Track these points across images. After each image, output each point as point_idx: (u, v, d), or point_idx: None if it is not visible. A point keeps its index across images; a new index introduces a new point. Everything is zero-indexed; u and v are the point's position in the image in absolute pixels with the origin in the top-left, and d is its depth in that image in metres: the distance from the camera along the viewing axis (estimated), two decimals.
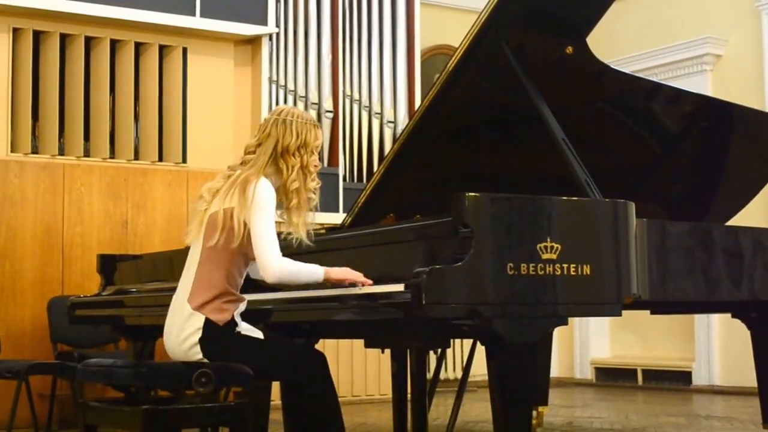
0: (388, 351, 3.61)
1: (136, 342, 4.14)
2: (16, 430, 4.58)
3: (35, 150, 5.42)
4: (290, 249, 2.76)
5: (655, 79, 5.65)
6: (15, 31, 5.38)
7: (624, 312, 2.71)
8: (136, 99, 5.70)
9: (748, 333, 3.73)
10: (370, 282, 2.65)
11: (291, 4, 6.19)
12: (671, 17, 7.29)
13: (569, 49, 3.11)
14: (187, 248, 2.85)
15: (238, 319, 2.73)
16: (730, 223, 3.86)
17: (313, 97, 6.19)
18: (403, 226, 2.82)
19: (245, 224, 2.67)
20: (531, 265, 2.46)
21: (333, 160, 6.26)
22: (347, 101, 6.34)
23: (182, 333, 2.69)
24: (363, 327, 3.29)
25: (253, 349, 2.71)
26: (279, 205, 2.76)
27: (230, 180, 2.75)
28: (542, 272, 2.48)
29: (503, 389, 2.47)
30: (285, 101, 6.12)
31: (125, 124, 5.65)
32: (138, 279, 4.14)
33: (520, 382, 2.49)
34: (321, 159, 6.20)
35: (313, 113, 6.18)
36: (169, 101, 5.79)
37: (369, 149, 6.40)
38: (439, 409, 5.35)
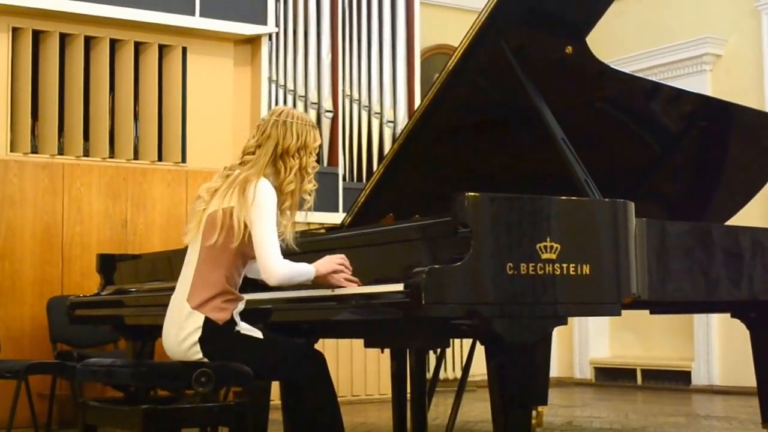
0: (387, 351, 3.61)
1: (136, 342, 4.14)
2: (16, 429, 4.58)
3: (35, 150, 5.42)
4: (287, 250, 2.77)
5: (654, 78, 5.65)
6: (14, 30, 5.38)
7: (623, 312, 2.71)
8: (136, 99, 5.70)
9: (747, 333, 3.73)
10: (356, 281, 2.69)
11: (291, 3, 6.18)
12: (671, 17, 7.29)
13: (569, 49, 3.11)
14: (186, 248, 2.85)
15: (237, 318, 2.73)
16: (729, 222, 3.86)
17: (313, 96, 6.19)
18: (403, 225, 2.82)
19: (245, 224, 2.67)
20: (530, 264, 2.46)
21: (333, 159, 6.26)
22: (347, 101, 6.34)
23: (181, 333, 2.68)
24: (362, 327, 3.29)
25: (252, 348, 2.71)
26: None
27: (229, 180, 2.75)
28: (542, 272, 2.48)
29: (503, 389, 2.48)
30: (285, 101, 6.12)
31: (125, 124, 5.65)
32: (137, 279, 4.14)
33: (520, 381, 2.49)
34: (320, 159, 6.24)
35: (312, 113, 6.18)
36: (169, 101, 5.79)
37: (369, 149, 6.40)
38: (439, 409, 5.35)
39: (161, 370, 2.73)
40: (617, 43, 7.19)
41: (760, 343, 3.69)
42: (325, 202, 6.12)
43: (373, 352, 5.57)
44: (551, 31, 3.10)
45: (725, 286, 3.10)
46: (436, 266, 2.38)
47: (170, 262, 3.85)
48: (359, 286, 2.71)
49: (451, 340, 3.65)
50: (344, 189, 6.20)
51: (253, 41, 6.07)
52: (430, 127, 3.34)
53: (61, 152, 5.46)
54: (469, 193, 2.44)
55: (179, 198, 5.63)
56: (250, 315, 2.84)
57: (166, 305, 2.82)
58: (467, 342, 3.48)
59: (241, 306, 2.75)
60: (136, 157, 5.65)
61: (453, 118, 3.36)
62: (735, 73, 6.85)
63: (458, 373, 6.87)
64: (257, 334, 2.75)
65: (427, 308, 2.35)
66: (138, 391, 2.76)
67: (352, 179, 6.33)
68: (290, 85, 6.14)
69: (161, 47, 5.77)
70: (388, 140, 6.36)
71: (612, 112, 3.52)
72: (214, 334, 2.66)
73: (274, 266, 2.64)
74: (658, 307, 3.82)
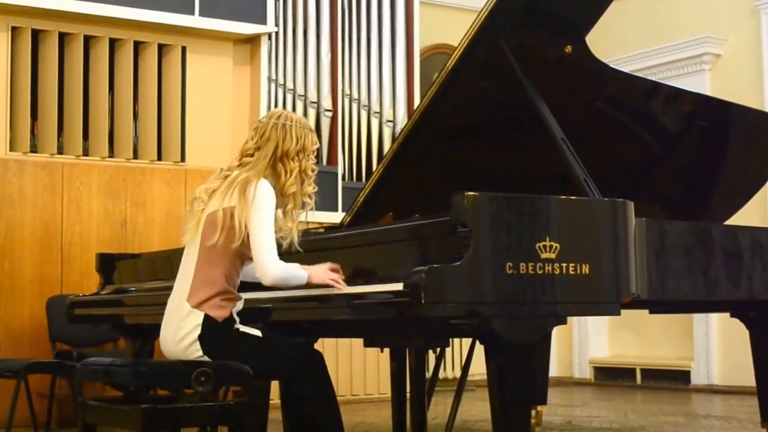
0: (387, 350, 3.61)
1: (135, 341, 4.14)
2: (15, 429, 4.58)
3: (34, 149, 5.42)
4: (280, 248, 2.77)
5: (654, 78, 5.65)
6: (14, 29, 5.38)
7: (623, 311, 2.71)
8: (135, 98, 5.70)
9: (746, 332, 3.73)
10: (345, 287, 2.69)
11: (290, 3, 6.18)
12: (670, 16, 7.29)
13: (568, 49, 3.11)
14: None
15: (236, 317, 2.74)
16: (729, 222, 3.86)
17: (312, 96, 6.19)
18: (402, 225, 2.82)
19: (246, 224, 2.68)
20: (530, 264, 2.46)
21: (332, 159, 6.26)
22: (346, 100, 6.34)
23: (179, 332, 2.69)
24: (362, 326, 3.29)
25: (251, 346, 2.72)
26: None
27: (228, 180, 2.76)
28: (541, 271, 2.48)
29: (502, 388, 2.48)
30: (284, 100, 6.12)
31: (124, 123, 5.65)
32: (137, 278, 4.14)
33: (519, 381, 2.49)
34: (320, 158, 6.24)
35: (312, 112, 6.18)
36: (168, 100, 5.79)
37: (368, 148, 6.40)
38: (438, 409, 5.35)
39: (161, 369, 2.73)
40: (617, 43, 7.19)
41: (760, 343, 3.69)
42: (324, 201, 6.09)
43: (373, 351, 5.57)
44: (551, 30, 3.10)
45: (724, 285, 3.10)
46: (436, 266, 2.38)
47: (170, 262, 3.85)
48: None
49: (450, 339, 3.64)
50: (343, 188, 6.20)
51: (253, 41, 6.06)
52: (430, 126, 3.34)
53: (60, 151, 5.46)
54: (469, 193, 2.44)
55: (178, 197, 5.63)
56: (249, 314, 2.84)
57: (165, 304, 2.83)
58: (467, 341, 3.47)
59: (239, 305, 2.76)
60: (135, 156, 5.65)
61: (452, 117, 3.36)
62: (734, 72, 6.85)
63: (458, 373, 6.88)
64: (256, 333, 2.76)
65: (426, 308, 2.35)
66: (137, 391, 2.76)
67: (352, 179, 6.33)
68: (290, 85, 6.14)
69: (161, 46, 5.77)
70: (388, 140, 6.36)
71: (611, 111, 3.52)
72: (213, 332, 2.66)
73: (270, 266, 2.65)
74: (657, 306, 3.82)
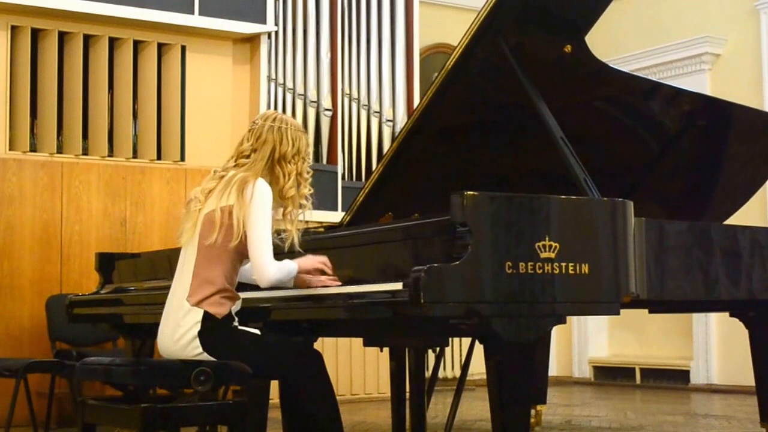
0: (386, 349, 3.61)
1: (135, 340, 4.14)
2: (15, 428, 4.58)
3: (33, 148, 5.42)
4: (280, 249, 2.78)
5: (653, 78, 5.65)
6: (13, 28, 5.38)
7: (622, 311, 2.71)
8: (135, 97, 5.70)
9: (746, 332, 3.73)
10: (338, 282, 2.74)
11: (290, 2, 6.18)
12: (670, 16, 7.29)
13: (568, 48, 3.11)
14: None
15: (235, 315, 2.75)
16: (728, 222, 3.86)
17: (312, 95, 6.19)
18: (402, 224, 2.82)
19: (243, 223, 2.69)
20: (529, 263, 2.46)
21: (332, 158, 6.26)
22: (346, 100, 6.34)
23: (178, 330, 2.69)
24: (361, 325, 3.29)
25: (251, 344, 2.72)
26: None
27: (225, 180, 2.77)
28: (540, 271, 2.48)
29: (501, 388, 2.48)
30: (284, 99, 6.12)
31: (124, 123, 5.65)
32: (136, 277, 4.14)
33: (519, 380, 2.49)
34: (320, 158, 6.25)
35: (311, 111, 6.19)
36: (168, 99, 5.79)
37: (368, 148, 6.41)
38: (438, 408, 5.36)
39: (160, 368, 2.73)
40: (616, 42, 7.20)
41: (759, 342, 3.69)
42: (323, 200, 6.11)
43: (372, 350, 5.57)
44: (550, 30, 3.10)
45: (724, 285, 3.10)
46: (435, 265, 2.38)
47: (169, 261, 3.84)
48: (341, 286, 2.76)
49: (450, 338, 3.65)
50: (343, 188, 6.20)
51: (253, 40, 6.06)
52: (429, 126, 3.34)
53: (60, 151, 5.46)
54: (468, 192, 2.44)
55: (178, 197, 5.63)
56: (248, 314, 2.84)
57: (164, 304, 2.82)
58: (466, 341, 3.48)
59: (238, 305, 2.76)
60: (135, 155, 5.65)
61: (452, 117, 3.36)
62: (734, 72, 6.85)
63: (457, 372, 6.88)
64: (256, 332, 2.76)
65: (426, 307, 2.35)
66: (137, 390, 2.76)
67: (351, 178, 6.33)
68: (289, 84, 6.14)
69: (160, 46, 5.77)
70: (387, 139, 6.36)
71: (611, 111, 3.52)
72: (213, 328, 2.67)
73: (267, 268, 2.68)
74: (656, 306, 3.82)
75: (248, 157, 2.80)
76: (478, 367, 2.88)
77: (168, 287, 2.87)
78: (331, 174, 6.18)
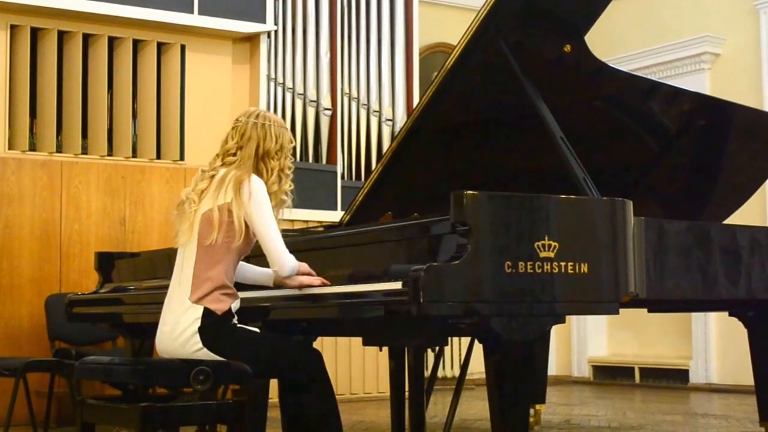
0: (385, 349, 3.61)
1: (134, 339, 4.14)
2: (14, 427, 4.58)
3: (33, 147, 5.42)
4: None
5: (653, 77, 5.65)
6: (13, 28, 5.37)
7: (621, 310, 2.71)
8: (134, 96, 5.70)
9: (745, 331, 3.74)
10: (327, 283, 2.77)
11: (289, 2, 6.18)
12: (669, 16, 7.29)
13: (567, 48, 3.11)
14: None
15: (234, 313, 2.75)
16: (727, 221, 3.86)
17: (312, 94, 6.19)
18: (401, 224, 2.82)
19: (245, 221, 2.70)
20: (529, 263, 2.47)
21: (331, 158, 6.26)
22: (345, 99, 6.34)
23: (178, 327, 2.69)
24: (361, 325, 3.29)
25: (250, 342, 2.73)
26: None
27: (217, 179, 2.77)
28: (540, 270, 2.48)
29: (501, 387, 2.48)
30: (283, 99, 6.12)
31: (123, 122, 5.65)
32: (136, 277, 4.14)
33: (518, 380, 2.50)
34: (319, 157, 6.25)
35: (311, 111, 6.18)
36: (167, 99, 5.79)
37: (367, 147, 6.41)
38: (437, 407, 5.36)
39: (159, 367, 2.73)
40: (616, 42, 7.20)
41: (758, 342, 3.69)
42: (323, 200, 6.13)
43: (372, 350, 5.57)
44: (550, 29, 3.10)
45: (723, 284, 3.11)
46: (435, 264, 2.38)
47: (169, 260, 3.84)
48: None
49: (449, 338, 3.65)
50: (342, 187, 6.20)
51: (252, 39, 6.06)
52: (429, 125, 3.35)
53: (59, 150, 5.46)
54: (468, 192, 2.44)
55: (178, 196, 5.60)
56: (248, 313, 2.84)
57: (164, 303, 2.82)
58: (465, 340, 3.48)
59: (237, 303, 2.77)
60: (134, 154, 5.65)
61: (451, 116, 3.36)
62: (733, 71, 6.85)
63: (456, 372, 6.88)
64: (255, 330, 2.77)
65: (425, 306, 2.35)
66: (136, 389, 2.77)
67: (351, 177, 6.33)
68: (289, 83, 6.13)
69: (160, 45, 5.77)
70: (387, 138, 6.36)
71: (610, 110, 3.52)
72: (213, 324, 2.68)
73: (285, 256, 2.73)
74: (656, 305, 3.83)
75: (234, 155, 2.81)
76: (478, 367, 2.88)
77: (167, 286, 2.87)
78: (330, 173, 6.18)
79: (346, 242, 3.00)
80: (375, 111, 6.43)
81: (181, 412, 2.66)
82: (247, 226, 2.72)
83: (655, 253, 2.82)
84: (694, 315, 6.82)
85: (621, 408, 5.80)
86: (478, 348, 2.64)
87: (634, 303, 2.92)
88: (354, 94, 6.38)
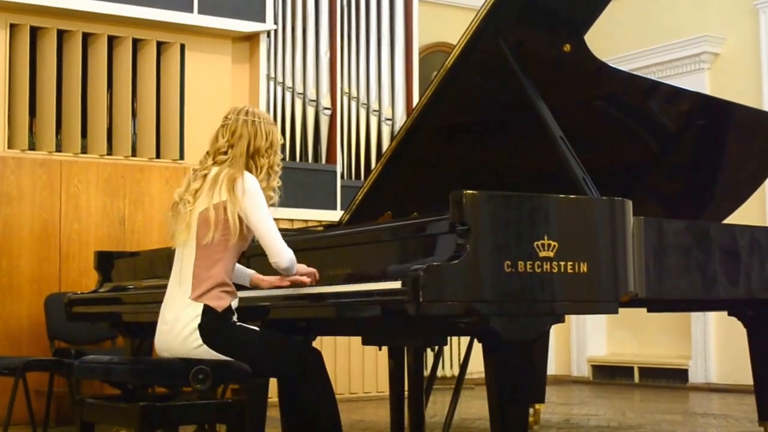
0: (385, 348, 3.61)
1: (134, 339, 4.14)
2: (13, 426, 4.58)
3: (32, 146, 5.42)
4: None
5: (652, 77, 5.65)
6: (12, 27, 5.37)
7: (621, 310, 2.72)
8: (134, 96, 5.70)
9: (744, 331, 3.74)
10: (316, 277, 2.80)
11: (289, 1, 6.18)
12: (669, 15, 7.29)
13: (567, 47, 3.11)
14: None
15: (234, 311, 2.75)
16: (727, 221, 3.86)
17: (311, 94, 6.19)
18: (401, 223, 2.83)
19: (240, 218, 2.71)
20: (528, 262, 2.47)
21: (331, 157, 6.26)
22: (345, 98, 6.34)
23: (177, 324, 2.70)
24: (360, 324, 3.29)
25: (250, 340, 2.73)
26: None
27: (210, 178, 2.78)
28: (539, 270, 2.48)
29: (500, 387, 2.48)
30: (283, 98, 6.12)
31: (123, 121, 5.64)
32: (135, 276, 4.14)
33: (517, 379, 2.50)
34: (319, 156, 6.24)
35: (311, 110, 6.18)
36: (167, 98, 5.79)
37: (367, 147, 6.40)
38: (437, 407, 5.36)
39: (159, 367, 2.73)
40: (615, 42, 7.20)
41: (757, 341, 3.70)
42: (323, 199, 6.13)
43: (371, 349, 5.57)
44: (549, 29, 3.10)
45: (722, 284, 3.11)
46: (435, 264, 2.38)
47: (168, 260, 3.82)
48: (316, 279, 2.81)
49: (448, 337, 3.65)
50: (342, 187, 6.20)
51: (252, 38, 6.06)
52: (428, 125, 3.35)
53: (58, 149, 5.46)
54: (468, 191, 2.44)
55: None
56: (247, 312, 2.84)
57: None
58: (465, 340, 3.48)
59: (236, 301, 2.77)
60: (134, 154, 5.64)
61: (451, 116, 3.36)
62: (733, 71, 6.85)
63: (456, 371, 6.88)
64: (255, 328, 2.77)
65: (425, 306, 2.35)
66: (135, 388, 2.76)
67: (350, 177, 6.33)
68: (288, 83, 6.13)
69: (159, 44, 5.77)
70: (386, 138, 6.36)
71: (610, 110, 3.52)
72: (213, 320, 2.68)
73: (283, 248, 2.73)
74: (655, 305, 3.83)
75: (226, 153, 2.81)
76: (477, 366, 2.88)
77: (167, 286, 2.87)
78: (330, 173, 6.18)
79: (346, 242, 3.00)
80: (375, 110, 6.43)
81: (180, 411, 2.66)
82: (241, 223, 2.73)
83: (655, 252, 2.82)
84: (694, 315, 6.82)
85: (620, 407, 5.80)
86: (478, 347, 2.64)
87: (634, 302, 2.92)
88: (354, 93, 6.38)
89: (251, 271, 2.97)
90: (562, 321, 2.61)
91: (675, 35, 7.15)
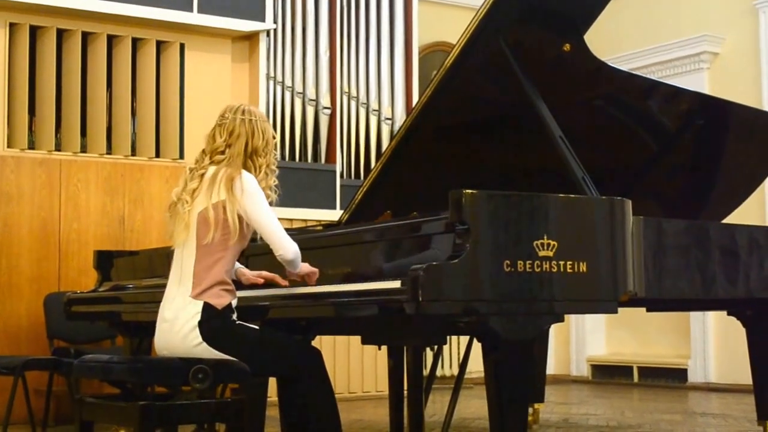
0: (384, 348, 3.61)
1: (133, 338, 4.15)
2: (12, 425, 4.58)
3: (32, 145, 5.41)
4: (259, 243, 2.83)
5: (652, 76, 5.65)
6: (12, 26, 5.37)
7: (620, 309, 2.72)
8: (133, 95, 5.70)
9: (743, 330, 3.74)
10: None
11: (289, 0, 6.18)
12: (668, 15, 7.30)
13: (567, 47, 3.11)
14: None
15: (234, 309, 2.76)
16: (726, 220, 3.87)
17: (311, 93, 6.19)
18: (400, 222, 2.83)
19: (239, 217, 2.71)
20: (528, 262, 2.47)
21: (330, 156, 6.26)
22: (345, 98, 6.34)
23: (177, 322, 2.70)
24: (360, 323, 3.29)
25: (250, 338, 2.74)
26: None
27: (208, 178, 2.77)
28: (539, 269, 2.48)
29: (499, 386, 2.48)
30: (282, 98, 6.12)
31: (122, 120, 5.64)
32: (134, 275, 4.14)
33: (517, 378, 2.50)
34: (318, 156, 6.24)
35: (310, 110, 6.18)
36: (167, 97, 5.78)
37: (366, 146, 6.41)
38: (436, 406, 5.36)
39: (158, 366, 2.73)
40: (615, 41, 7.20)
41: (756, 341, 3.70)
42: (322, 199, 6.13)
43: (370, 348, 5.57)
44: (549, 28, 3.10)
45: (722, 283, 3.11)
46: (434, 263, 2.38)
47: (167, 259, 3.83)
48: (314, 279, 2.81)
49: (448, 337, 3.65)
50: (341, 186, 6.20)
51: (251, 38, 6.06)
52: (428, 124, 3.35)
53: (58, 148, 5.46)
54: (467, 190, 2.44)
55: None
56: (247, 312, 2.84)
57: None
58: (464, 339, 3.48)
59: (235, 300, 2.77)
60: (133, 153, 5.64)
61: (450, 115, 3.36)
62: (732, 71, 6.86)
63: (455, 370, 6.88)
64: (255, 327, 2.78)
65: (424, 305, 2.35)
66: (135, 388, 2.76)
67: (350, 176, 6.33)
68: (288, 82, 6.13)
69: (159, 43, 5.77)
70: (386, 137, 6.36)
71: (609, 109, 3.52)
72: (213, 318, 2.68)
73: (288, 241, 2.73)
74: (654, 304, 3.83)
75: (223, 153, 2.81)
76: (476, 366, 2.88)
77: (166, 285, 2.87)
78: (329, 172, 6.18)
79: (345, 241, 3.00)
80: (374, 110, 6.43)
81: (179, 410, 2.66)
82: (240, 222, 2.73)
83: (654, 252, 2.83)
84: (693, 314, 6.82)
85: (619, 407, 5.80)
86: (477, 347, 2.64)
87: (633, 302, 2.92)
88: (353, 92, 6.38)
89: (237, 264, 2.96)
90: (562, 320, 2.62)
91: (674, 35, 7.15)
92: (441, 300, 2.37)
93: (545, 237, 2.50)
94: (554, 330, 6.79)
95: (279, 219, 2.81)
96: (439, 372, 6.57)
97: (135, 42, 5.69)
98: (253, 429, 3.34)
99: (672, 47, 7.15)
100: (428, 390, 3.49)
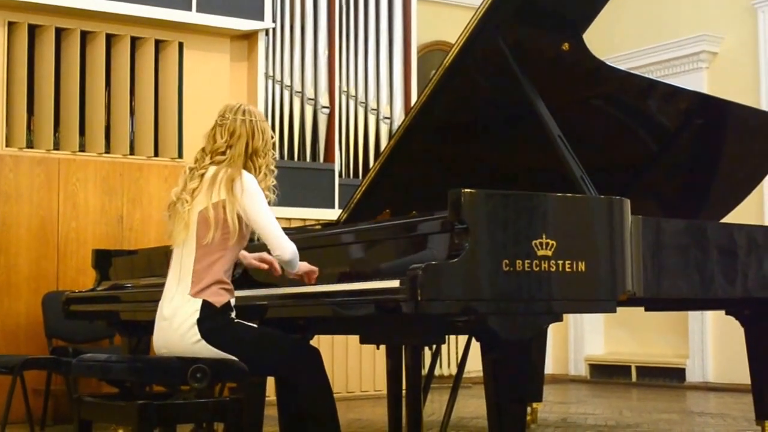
0: (383, 347, 3.61)
1: (131, 337, 4.14)
2: (11, 425, 4.58)
3: (30, 144, 5.41)
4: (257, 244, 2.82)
5: (651, 76, 5.66)
6: (10, 24, 5.37)
7: (618, 309, 2.72)
8: (132, 94, 5.69)
9: (741, 330, 3.74)
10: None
11: None
12: (668, 15, 7.30)
13: (566, 46, 3.11)
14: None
15: (233, 307, 2.76)
16: (724, 220, 3.87)
17: (309, 92, 6.19)
18: (399, 222, 2.83)
19: (239, 217, 2.71)
20: (526, 261, 2.47)
21: (329, 156, 6.25)
22: (343, 97, 6.34)
23: (176, 319, 2.70)
24: (358, 323, 3.29)
25: (249, 337, 2.74)
26: None
27: (208, 178, 2.78)
28: (537, 269, 2.48)
29: (498, 385, 2.48)
30: (281, 97, 6.12)
31: (121, 119, 5.64)
32: (133, 274, 4.14)
33: (515, 378, 2.50)
34: (317, 155, 6.24)
35: (309, 109, 6.18)
36: (165, 96, 5.78)
37: (365, 145, 6.40)
38: (434, 405, 5.36)
39: (157, 365, 2.73)
40: (614, 41, 7.20)
41: (755, 340, 3.70)
42: (321, 198, 6.13)
43: (369, 348, 5.57)
44: (548, 27, 3.10)
45: (720, 283, 3.11)
46: (433, 262, 2.38)
47: (166, 258, 3.83)
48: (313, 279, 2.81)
49: (446, 336, 3.65)
50: (340, 185, 6.20)
51: (250, 37, 6.06)
52: (427, 123, 3.35)
53: (56, 147, 5.45)
54: (466, 190, 2.44)
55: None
56: (245, 311, 2.84)
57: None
58: (463, 338, 3.48)
59: (233, 299, 2.77)
60: (132, 152, 5.64)
61: (449, 114, 3.36)
62: (731, 70, 6.86)
63: (453, 370, 6.89)
64: (253, 325, 2.78)
65: (423, 304, 2.35)
66: (133, 387, 2.76)
67: (348, 175, 6.33)
68: (287, 81, 6.13)
69: (158, 42, 5.76)
70: (385, 137, 6.36)
71: (608, 109, 3.53)
72: (212, 316, 2.68)
73: (286, 242, 2.73)
74: (653, 304, 3.83)
75: (224, 153, 2.81)
76: (475, 365, 2.88)
77: (165, 284, 2.87)
78: (328, 172, 6.18)
79: (344, 240, 3.00)
80: (373, 109, 6.42)
81: (178, 409, 2.66)
82: (240, 223, 2.73)
83: (653, 251, 2.83)
84: (691, 314, 6.82)
85: (618, 406, 5.80)
86: (476, 346, 2.64)
87: (631, 301, 2.93)
88: (352, 92, 6.38)
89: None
90: (560, 320, 2.62)
91: (673, 34, 7.15)
92: (440, 299, 2.37)
93: (544, 236, 2.50)
94: (552, 329, 6.76)
95: (277, 218, 2.81)
96: (437, 371, 6.57)
97: (134, 41, 5.69)
98: (252, 428, 3.34)
99: (671, 47, 7.15)
100: (427, 389, 3.49)
